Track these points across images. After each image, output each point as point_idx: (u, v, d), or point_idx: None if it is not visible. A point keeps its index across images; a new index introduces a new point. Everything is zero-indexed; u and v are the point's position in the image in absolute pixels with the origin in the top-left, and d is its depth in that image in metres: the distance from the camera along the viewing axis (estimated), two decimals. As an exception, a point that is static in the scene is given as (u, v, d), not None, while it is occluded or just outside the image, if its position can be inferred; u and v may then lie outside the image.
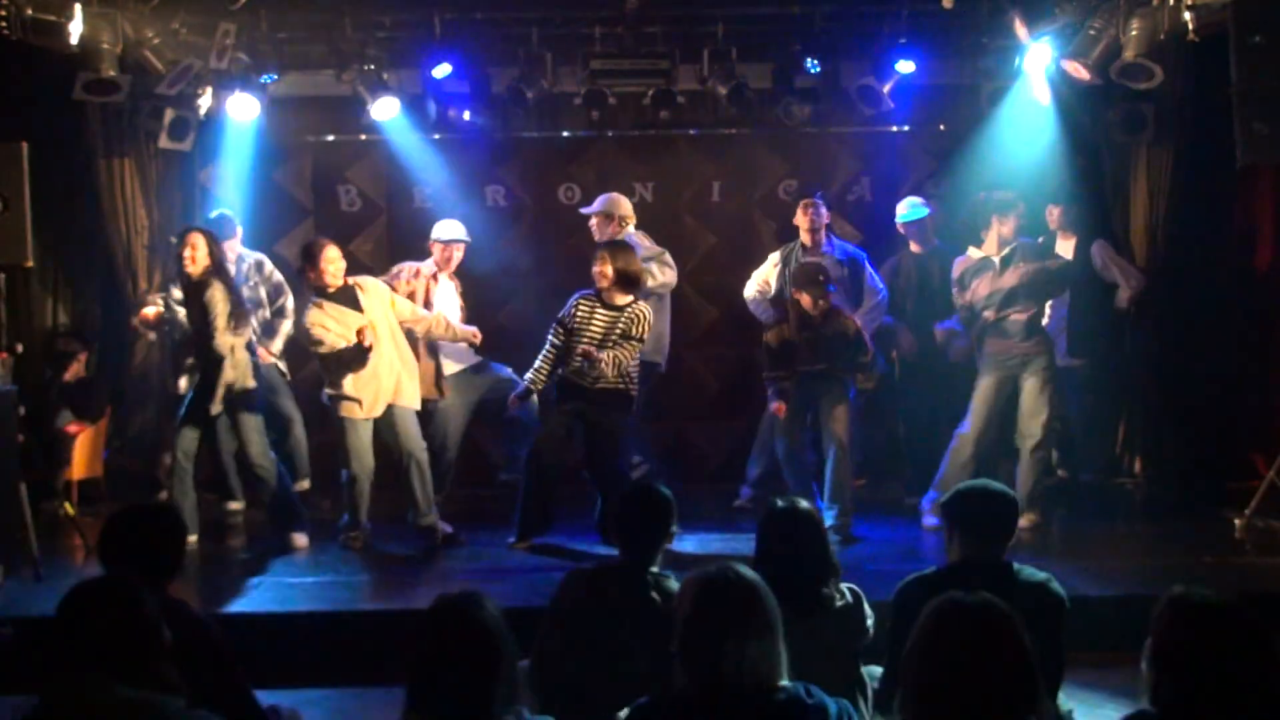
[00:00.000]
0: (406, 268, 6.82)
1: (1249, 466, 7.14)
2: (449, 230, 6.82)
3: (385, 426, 6.10)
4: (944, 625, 2.26)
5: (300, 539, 6.16)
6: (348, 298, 6.01)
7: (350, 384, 5.98)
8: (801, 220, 6.84)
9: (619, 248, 6.03)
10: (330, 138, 8.07)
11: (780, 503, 3.56)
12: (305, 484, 7.06)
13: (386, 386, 6.06)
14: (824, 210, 6.86)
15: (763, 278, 6.97)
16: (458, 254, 6.82)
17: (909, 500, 6.98)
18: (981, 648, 2.21)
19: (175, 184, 7.74)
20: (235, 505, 6.99)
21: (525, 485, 6.09)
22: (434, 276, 6.77)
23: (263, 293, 7.02)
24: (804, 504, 3.58)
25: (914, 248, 7.17)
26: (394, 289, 6.43)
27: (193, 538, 5.98)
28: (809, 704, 2.45)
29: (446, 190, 7.83)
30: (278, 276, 7.10)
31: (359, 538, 6.15)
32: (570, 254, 7.23)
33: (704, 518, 6.55)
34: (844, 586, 3.52)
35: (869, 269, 6.89)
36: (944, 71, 7.75)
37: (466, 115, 7.50)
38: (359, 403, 5.99)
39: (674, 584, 3.35)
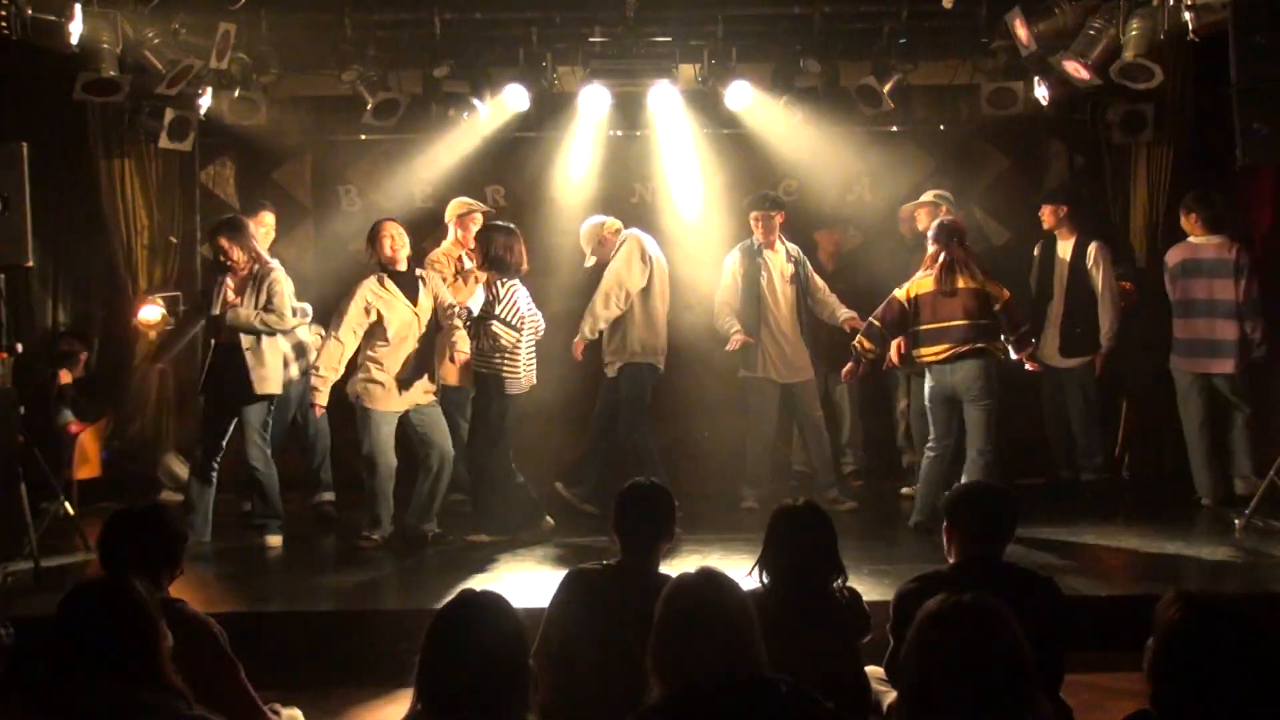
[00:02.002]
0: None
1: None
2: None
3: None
4: (938, 625, 2.26)
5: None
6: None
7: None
8: (759, 228, 6.94)
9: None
10: (330, 138, 8.06)
11: (790, 502, 3.57)
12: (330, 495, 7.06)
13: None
14: (771, 214, 6.94)
15: (729, 278, 7.02)
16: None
17: (905, 490, 7.18)
18: (976, 647, 2.21)
19: (175, 184, 7.75)
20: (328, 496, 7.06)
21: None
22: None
23: None
24: (814, 504, 3.58)
25: None
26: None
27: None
28: (790, 698, 2.44)
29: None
30: None
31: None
32: (571, 253, 7.23)
33: (705, 517, 6.55)
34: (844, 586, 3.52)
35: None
36: (944, 71, 7.75)
37: (466, 115, 7.49)
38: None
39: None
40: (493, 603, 2.50)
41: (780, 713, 2.41)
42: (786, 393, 6.99)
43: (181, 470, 7.54)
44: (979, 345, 6.16)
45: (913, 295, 6.28)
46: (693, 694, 2.38)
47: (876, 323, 6.37)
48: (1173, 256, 6.94)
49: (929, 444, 6.40)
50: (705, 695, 2.37)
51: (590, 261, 6.87)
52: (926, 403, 6.40)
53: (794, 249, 7.05)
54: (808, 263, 7.06)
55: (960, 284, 6.19)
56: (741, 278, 6.94)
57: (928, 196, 7.20)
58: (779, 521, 3.52)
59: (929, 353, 6.26)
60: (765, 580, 3.44)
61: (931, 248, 6.30)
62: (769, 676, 2.44)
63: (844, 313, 6.95)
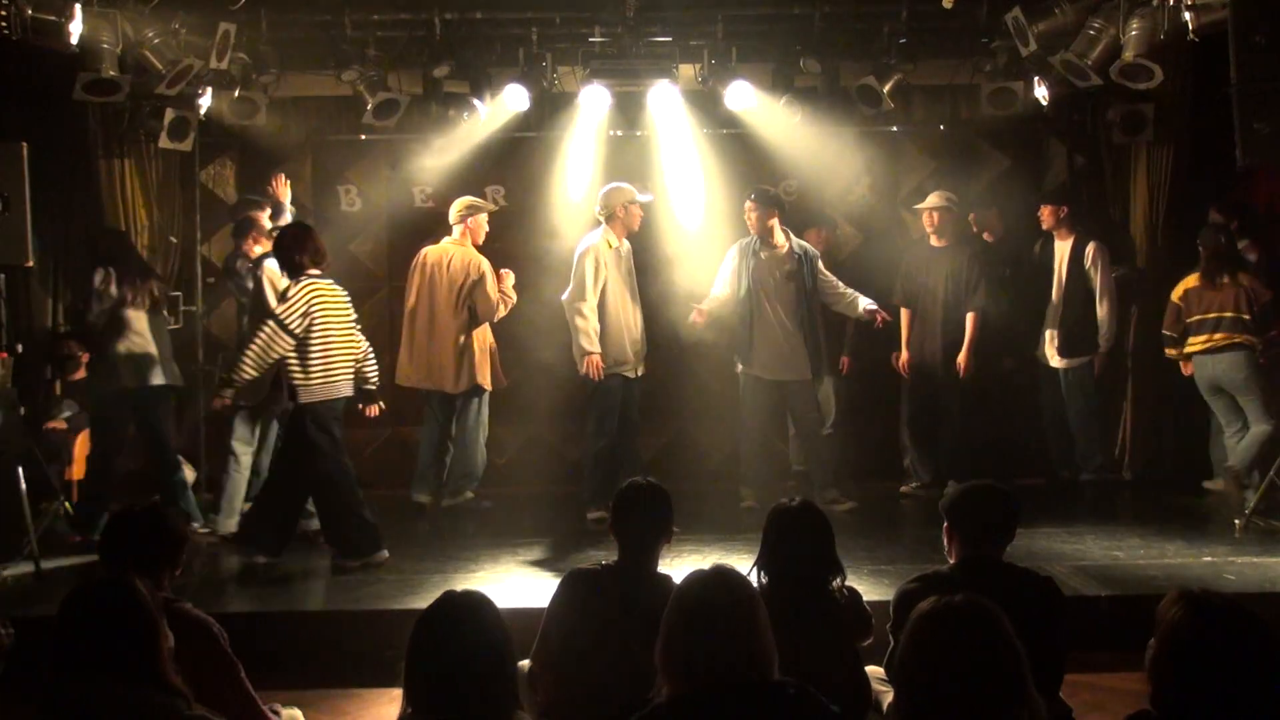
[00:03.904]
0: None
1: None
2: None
3: None
4: (931, 627, 2.26)
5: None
6: None
7: None
8: (750, 220, 6.88)
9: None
10: (330, 138, 8.06)
11: (787, 502, 3.56)
12: None
13: None
14: (762, 209, 6.82)
15: (725, 278, 6.98)
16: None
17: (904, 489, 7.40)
18: (969, 648, 2.21)
19: (175, 184, 7.75)
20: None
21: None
22: None
23: None
24: (811, 504, 3.58)
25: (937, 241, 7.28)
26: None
27: None
28: (797, 701, 2.44)
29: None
30: None
31: None
32: (569, 253, 7.24)
33: (705, 517, 6.55)
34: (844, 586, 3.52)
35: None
36: (944, 71, 7.75)
37: (466, 115, 7.49)
38: None
39: (674, 584, 3.35)
40: (475, 603, 2.50)
41: (787, 716, 2.41)
42: (780, 391, 6.97)
43: (183, 471, 7.54)
44: (1237, 339, 6.62)
45: (1181, 293, 6.84)
46: (701, 695, 2.38)
47: (1168, 333, 6.93)
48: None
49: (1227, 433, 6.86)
50: (713, 696, 2.37)
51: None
52: (1203, 392, 6.84)
53: (800, 246, 6.96)
54: (817, 260, 6.95)
55: (1225, 279, 6.65)
56: (735, 272, 6.92)
57: (936, 200, 7.21)
58: (776, 522, 3.51)
59: (1193, 343, 6.75)
60: (763, 580, 3.44)
61: (1202, 248, 6.77)
62: (777, 679, 2.44)
63: (865, 302, 6.82)
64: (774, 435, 7.37)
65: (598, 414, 6.71)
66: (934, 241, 7.26)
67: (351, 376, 5.84)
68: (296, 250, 5.73)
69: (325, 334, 5.67)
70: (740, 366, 6.99)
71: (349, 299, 5.87)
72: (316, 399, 5.68)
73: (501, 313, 6.90)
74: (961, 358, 7.05)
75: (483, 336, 6.94)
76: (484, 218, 7.01)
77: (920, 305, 7.27)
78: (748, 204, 6.89)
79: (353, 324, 5.86)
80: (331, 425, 5.75)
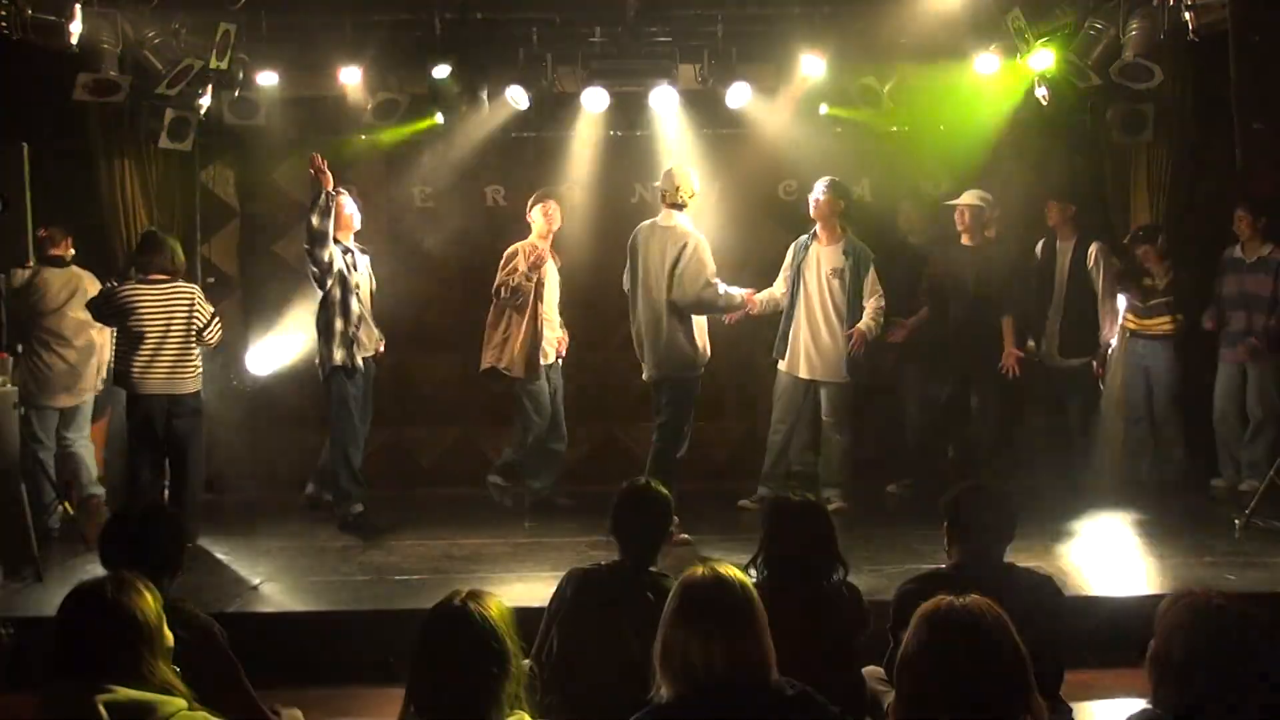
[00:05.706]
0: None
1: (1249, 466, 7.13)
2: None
3: None
4: (934, 628, 2.26)
5: None
6: None
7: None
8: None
9: None
10: (330, 138, 8.05)
11: (788, 496, 3.57)
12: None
13: None
14: (816, 199, 6.81)
15: (781, 273, 6.99)
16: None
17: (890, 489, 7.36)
18: (972, 650, 2.21)
19: (175, 184, 7.74)
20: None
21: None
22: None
23: None
24: (811, 498, 3.58)
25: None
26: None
27: None
28: (796, 701, 2.44)
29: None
30: None
31: None
32: (570, 252, 7.24)
33: (705, 517, 6.55)
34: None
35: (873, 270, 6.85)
36: (944, 71, 7.74)
37: (466, 115, 7.49)
38: None
39: (673, 584, 3.35)
40: (483, 602, 2.50)
41: (787, 716, 2.41)
42: (810, 390, 6.91)
43: None
44: None
45: None
46: (700, 695, 2.38)
47: None
48: None
49: None
50: (712, 696, 2.37)
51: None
52: None
53: (854, 245, 6.82)
54: (870, 262, 6.83)
55: None
56: (787, 266, 6.90)
57: (968, 198, 7.16)
58: (776, 515, 3.53)
59: None
60: (764, 574, 3.45)
61: None
62: (776, 679, 2.44)
63: (864, 320, 6.72)
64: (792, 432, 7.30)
65: (682, 416, 6.35)
66: (964, 240, 7.16)
67: (167, 376, 6.21)
68: (136, 253, 6.60)
69: (134, 333, 6.19)
70: (779, 361, 6.93)
71: (187, 305, 6.26)
72: (131, 391, 6.26)
73: (523, 281, 6.72)
74: (1009, 359, 6.92)
75: (519, 320, 6.77)
76: (554, 209, 6.91)
77: (944, 304, 7.14)
78: (821, 187, 6.81)
79: (177, 328, 6.23)
80: (150, 418, 6.22)
